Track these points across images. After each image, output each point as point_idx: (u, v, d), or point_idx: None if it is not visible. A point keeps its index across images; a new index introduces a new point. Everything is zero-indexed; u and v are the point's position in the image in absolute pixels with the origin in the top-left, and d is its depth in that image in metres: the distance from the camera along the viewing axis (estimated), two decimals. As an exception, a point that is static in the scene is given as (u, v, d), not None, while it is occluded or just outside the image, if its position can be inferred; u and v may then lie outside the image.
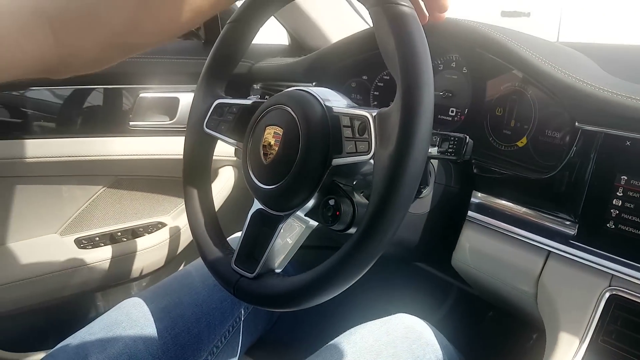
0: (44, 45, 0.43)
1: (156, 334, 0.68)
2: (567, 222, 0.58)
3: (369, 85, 0.88)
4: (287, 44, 1.17)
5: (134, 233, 1.08)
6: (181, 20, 0.50)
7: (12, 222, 0.97)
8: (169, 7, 0.49)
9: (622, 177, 0.54)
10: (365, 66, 0.86)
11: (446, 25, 0.69)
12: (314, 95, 0.53)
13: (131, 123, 0.99)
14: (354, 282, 0.45)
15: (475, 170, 0.69)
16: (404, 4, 0.45)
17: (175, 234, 1.10)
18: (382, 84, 0.90)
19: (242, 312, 0.77)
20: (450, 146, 0.51)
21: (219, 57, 0.64)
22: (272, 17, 0.65)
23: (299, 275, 0.48)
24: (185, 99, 1.03)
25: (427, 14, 0.60)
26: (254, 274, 0.53)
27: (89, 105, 0.99)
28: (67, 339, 0.66)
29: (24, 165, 0.93)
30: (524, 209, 0.63)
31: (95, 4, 0.45)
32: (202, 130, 0.63)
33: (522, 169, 0.65)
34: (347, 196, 0.52)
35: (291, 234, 0.54)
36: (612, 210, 0.54)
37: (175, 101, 1.03)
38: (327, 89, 0.56)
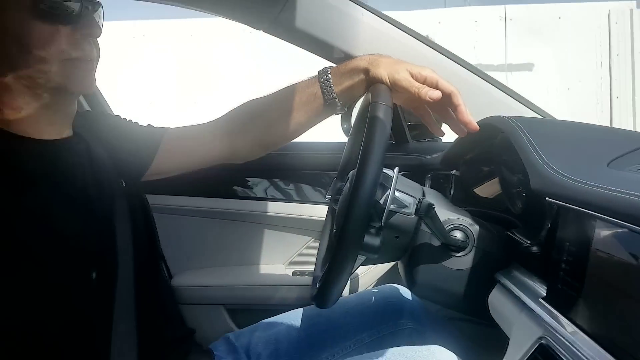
0: (220, 148, 0.95)
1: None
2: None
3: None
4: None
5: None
6: (293, 131, 0.95)
7: (259, 254, 1.54)
8: (286, 123, 0.95)
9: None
10: (490, 156, 1.08)
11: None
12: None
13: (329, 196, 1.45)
14: (346, 273, 0.74)
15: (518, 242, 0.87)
16: (382, 102, 0.76)
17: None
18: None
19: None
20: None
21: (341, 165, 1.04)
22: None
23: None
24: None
25: (443, 131, 0.89)
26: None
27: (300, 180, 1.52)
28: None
29: (268, 217, 1.52)
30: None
31: (246, 123, 0.96)
32: None
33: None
34: None
35: None
36: (560, 273, 0.69)
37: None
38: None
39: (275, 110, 0.98)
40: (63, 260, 0.77)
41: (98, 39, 0.83)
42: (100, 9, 0.82)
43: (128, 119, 1.05)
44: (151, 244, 0.98)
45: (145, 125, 1.04)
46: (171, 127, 1.04)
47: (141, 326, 0.84)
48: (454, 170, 1.19)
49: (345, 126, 1.36)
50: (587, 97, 5.73)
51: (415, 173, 1.43)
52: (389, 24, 1.21)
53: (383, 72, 0.87)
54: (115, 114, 1.10)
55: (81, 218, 0.82)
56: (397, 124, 1.49)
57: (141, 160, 0.99)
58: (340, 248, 0.72)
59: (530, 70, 5.81)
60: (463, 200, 1.12)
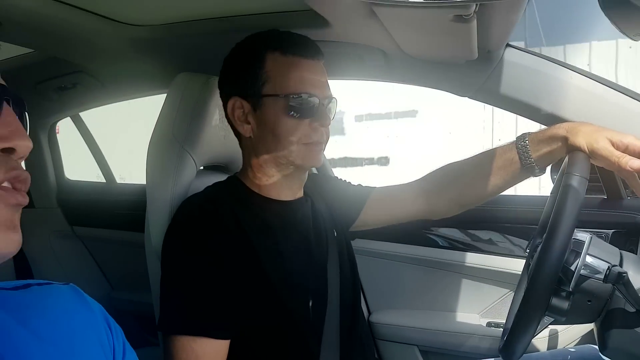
0: (418, 206, 1.06)
1: None
2: None
3: None
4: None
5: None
6: (490, 193, 1.02)
7: (455, 302, 1.60)
8: (482, 185, 1.02)
9: None
10: None
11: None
12: None
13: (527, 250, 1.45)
14: (530, 332, 0.80)
15: None
16: (577, 173, 0.82)
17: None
18: None
19: None
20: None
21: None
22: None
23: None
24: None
25: None
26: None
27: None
28: None
29: (466, 267, 1.57)
30: None
31: (444, 184, 1.06)
32: None
33: None
34: None
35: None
36: None
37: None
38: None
39: (472, 174, 1.07)
40: (289, 290, 0.98)
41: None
42: (334, 101, 1.03)
43: (343, 180, 1.25)
44: (354, 282, 1.14)
45: (356, 185, 1.23)
46: (377, 186, 1.20)
47: (342, 350, 0.99)
48: None
49: (554, 176, 1.37)
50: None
51: (629, 232, 1.35)
52: (601, 85, 1.19)
53: (582, 140, 0.90)
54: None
55: (303, 259, 1.03)
56: (609, 178, 1.42)
57: (350, 214, 1.18)
58: (524, 309, 0.78)
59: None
60: None
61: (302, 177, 1.08)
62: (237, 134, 1.07)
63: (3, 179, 0.49)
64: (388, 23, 0.97)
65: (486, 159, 1.05)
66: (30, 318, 0.58)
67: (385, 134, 5.88)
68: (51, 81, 1.67)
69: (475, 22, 0.86)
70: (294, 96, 0.96)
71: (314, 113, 0.98)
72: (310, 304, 1.00)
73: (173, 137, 1.12)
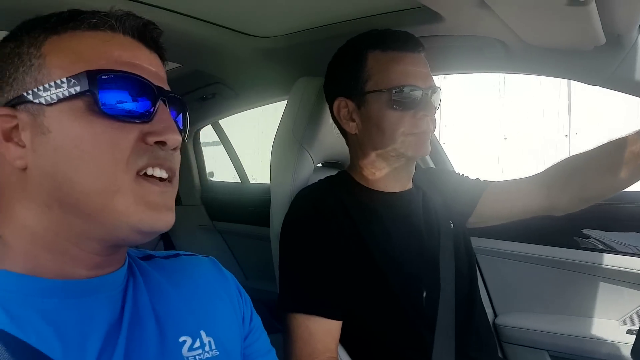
0: (539, 201, 1.01)
1: None
2: None
3: None
4: None
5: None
6: (616, 187, 0.95)
7: (591, 306, 1.48)
8: (607, 179, 0.95)
9: None
10: None
11: None
12: None
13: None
14: None
15: None
16: None
17: None
18: None
19: None
20: None
21: None
22: None
23: None
24: None
25: None
26: None
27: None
28: None
29: (603, 269, 1.45)
30: None
31: (566, 178, 1.00)
32: None
33: None
34: None
35: None
36: None
37: None
38: None
39: (597, 166, 1.00)
40: (397, 275, 1.01)
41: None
42: (439, 91, 1.03)
43: (459, 173, 1.24)
44: (470, 276, 1.12)
45: (473, 179, 1.21)
46: (495, 180, 1.17)
47: (457, 343, 0.99)
48: None
49: None
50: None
51: None
52: None
53: None
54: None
55: (413, 248, 1.05)
56: None
57: (465, 207, 1.17)
58: None
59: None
60: None
61: (409, 169, 1.09)
62: (344, 132, 1.12)
63: (147, 165, 0.57)
64: (501, 11, 0.95)
65: (613, 150, 0.97)
66: (179, 281, 0.70)
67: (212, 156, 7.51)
68: (194, 92, 1.88)
69: (593, 3, 0.81)
70: (396, 89, 1.00)
71: (417, 104, 1.01)
72: (422, 292, 1.02)
73: (293, 137, 1.21)
